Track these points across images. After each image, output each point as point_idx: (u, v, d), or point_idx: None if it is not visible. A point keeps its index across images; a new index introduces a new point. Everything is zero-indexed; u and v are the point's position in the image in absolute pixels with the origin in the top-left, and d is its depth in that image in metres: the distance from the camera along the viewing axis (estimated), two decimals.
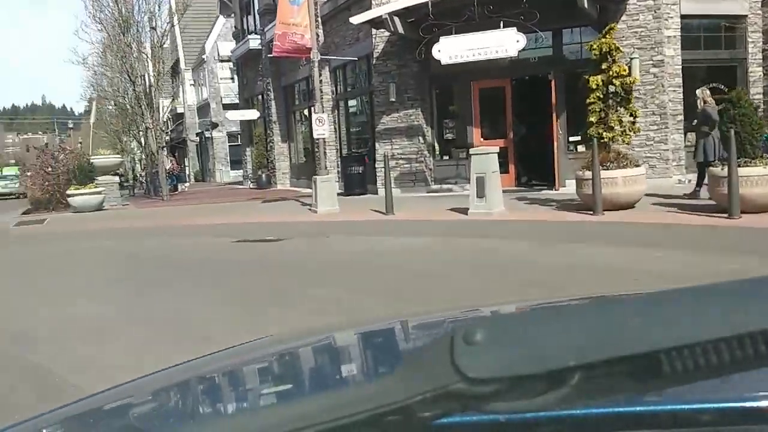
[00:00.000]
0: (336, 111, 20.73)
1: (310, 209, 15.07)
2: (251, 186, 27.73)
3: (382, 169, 17.57)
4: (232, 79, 33.09)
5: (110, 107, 35.08)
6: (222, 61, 36.39)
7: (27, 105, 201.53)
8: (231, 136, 40.83)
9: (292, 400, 0.58)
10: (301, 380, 1.17)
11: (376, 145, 17.67)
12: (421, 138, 17.16)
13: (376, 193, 17.53)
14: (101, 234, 14.25)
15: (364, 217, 13.36)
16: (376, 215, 13.31)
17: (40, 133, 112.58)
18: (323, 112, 15.77)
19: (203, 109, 43.68)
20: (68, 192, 19.53)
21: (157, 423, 1.02)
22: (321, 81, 16.49)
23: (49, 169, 20.65)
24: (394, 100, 16.92)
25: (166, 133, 48.69)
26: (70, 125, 52.22)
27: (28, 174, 21.76)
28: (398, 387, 0.51)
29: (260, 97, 27.28)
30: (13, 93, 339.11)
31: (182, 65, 45.59)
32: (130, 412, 1.11)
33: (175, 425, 0.96)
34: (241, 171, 32.69)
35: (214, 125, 41.20)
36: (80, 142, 35.26)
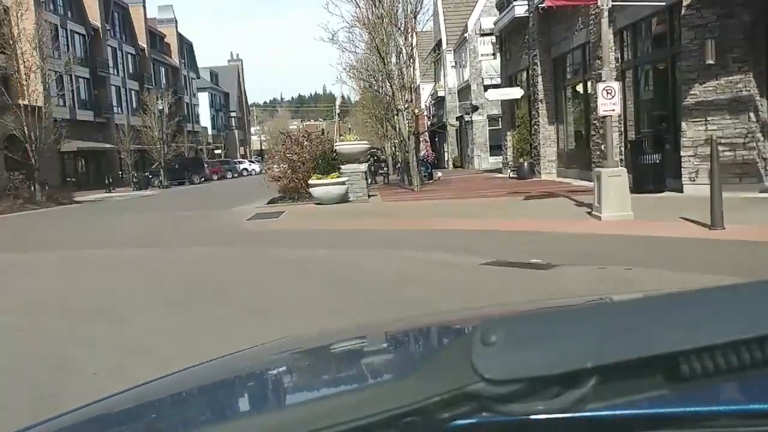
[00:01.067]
0: (621, 83, 16.15)
1: (589, 213, 10.96)
2: (510, 175, 24.08)
3: (690, 159, 12.83)
4: (494, 55, 29.59)
5: (371, 92, 33.66)
6: (484, 35, 33.04)
7: (311, 95, 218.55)
8: (491, 119, 37.51)
9: (309, 402, 0.59)
10: (318, 381, 1.14)
11: (683, 124, 12.92)
12: (752, 115, 12.10)
13: (681, 191, 12.83)
14: (321, 238, 11.64)
15: (675, 230, 8.95)
16: (693, 228, 8.86)
17: (320, 119, 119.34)
18: (613, 79, 11.54)
19: (464, 91, 40.90)
20: (309, 181, 17.52)
21: (175, 425, 1.00)
22: (609, 40, 12.23)
23: (295, 156, 18.90)
24: (712, 62, 12.05)
25: (428, 117, 46.45)
26: (338, 110, 52.28)
27: (273, 160, 20.25)
28: (415, 388, 0.51)
29: (524, 73, 23.50)
30: (300, 84, 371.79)
31: (444, 46, 43.27)
32: (146, 414, 1.09)
33: (192, 426, 0.94)
34: (500, 157, 29.21)
35: (474, 108, 38.13)
36: (322, 128, 34.23)
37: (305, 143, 19.04)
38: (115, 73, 55.57)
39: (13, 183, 26.30)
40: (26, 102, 30.29)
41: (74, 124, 47.81)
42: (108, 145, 50.02)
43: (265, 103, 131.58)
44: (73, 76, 48.44)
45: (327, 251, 9.80)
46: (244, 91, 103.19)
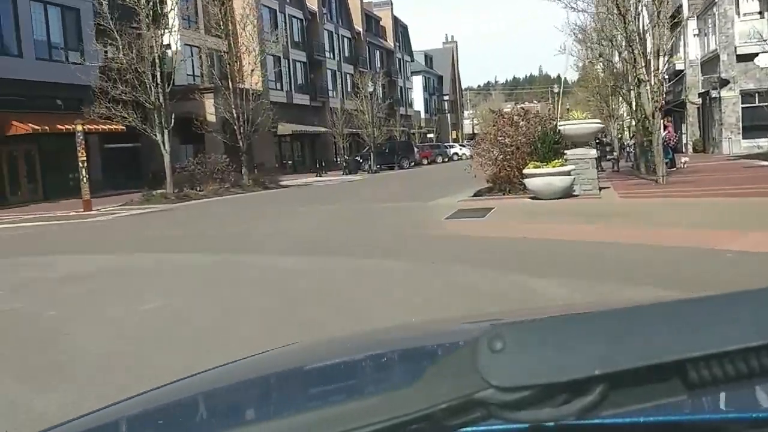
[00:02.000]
0: None
1: None
2: None
3: None
4: (761, 14, 23.58)
5: (598, 66, 29.06)
6: None
7: (526, 76, 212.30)
8: (746, 95, 30.95)
9: (316, 408, 0.56)
10: (326, 388, 1.14)
11: None
12: None
13: None
14: (549, 253, 8.08)
15: None
16: None
17: (534, 101, 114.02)
18: None
19: (708, 63, 34.41)
20: (525, 171, 13.96)
21: (184, 430, 1.00)
22: None
23: (508, 139, 15.41)
24: None
25: (662, 93, 40.21)
26: (555, 89, 47.51)
27: (480, 147, 16.85)
28: (422, 395, 0.50)
29: None
30: (515, 67, 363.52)
31: (685, 12, 36.85)
32: (154, 419, 1.09)
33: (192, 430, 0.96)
34: (760, 140, 23.32)
35: (724, 82, 31.72)
36: (551, 106, 29.98)
37: (521, 123, 15.46)
38: (331, 56, 55.49)
39: (220, 166, 25.68)
40: (243, 85, 30.02)
41: (291, 107, 48.19)
42: (322, 129, 49.92)
43: (478, 86, 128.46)
44: (291, 60, 48.77)
45: (563, 283, 6.25)
46: (458, 74, 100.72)
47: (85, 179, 20.11)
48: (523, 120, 15.57)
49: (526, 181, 13.83)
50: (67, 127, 23.08)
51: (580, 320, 0.55)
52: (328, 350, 1.39)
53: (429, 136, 77.18)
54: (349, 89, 57.47)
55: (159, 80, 22.82)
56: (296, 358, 1.35)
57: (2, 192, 25.47)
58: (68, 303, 6.72)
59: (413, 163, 47.80)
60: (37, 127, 24.80)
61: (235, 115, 28.21)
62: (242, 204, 20.42)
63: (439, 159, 57.37)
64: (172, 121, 22.83)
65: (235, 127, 28.38)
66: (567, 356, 0.48)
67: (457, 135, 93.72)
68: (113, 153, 33.99)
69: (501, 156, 15.30)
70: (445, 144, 67.20)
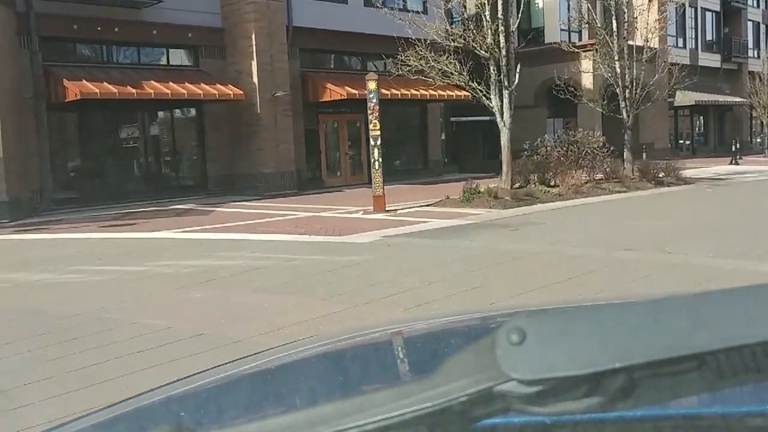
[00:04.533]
0: None
1: None
2: None
3: None
4: None
5: None
6: None
7: None
8: None
9: (336, 400, 0.57)
10: (346, 380, 1.12)
11: None
12: None
13: None
14: None
15: None
16: None
17: None
18: None
19: None
20: None
21: (202, 424, 0.96)
22: None
23: None
24: None
25: None
26: None
27: None
28: (442, 387, 0.50)
29: None
30: None
31: None
32: (163, 414, 1.07)
33: (217, 426, 0.92)
34: None
35: None
36: None
37: None
38: (754, 2, 40.87)
39: (591, 148, 16.47)
40: (633, 41, 20.36)
41: (694, 70, 35.93)
42: (738, 99, 36.49)
43: None
44: (698, 8, 36.27)
45: None
46: None
47: (377, 163, 12.92)
48: None
49: None
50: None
51: (599, 312, 0.53)
52: (347, 343, 1.33)
53: None
54: None
55: (501, 18, 14.41)
56: (313, 352, 1.29)
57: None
58: None
59: None
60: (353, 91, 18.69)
61: (619, 73, 18.53)
62: (644, 219, 11.06)
63: None
64: (517, 77, 14.28)
65: (618, 92, 18.68)
66: (587, 349, 0.47)
67: None
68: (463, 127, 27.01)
69: None
70: None
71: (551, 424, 0.64)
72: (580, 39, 31.18)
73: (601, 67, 19.54)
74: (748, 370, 0.45)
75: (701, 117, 37.97)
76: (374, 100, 12.72)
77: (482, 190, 13.74)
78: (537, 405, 0.47)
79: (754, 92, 34.29)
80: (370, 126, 12.81)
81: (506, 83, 14.15)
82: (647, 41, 19.00)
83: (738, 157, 29.47)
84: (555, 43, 28.72)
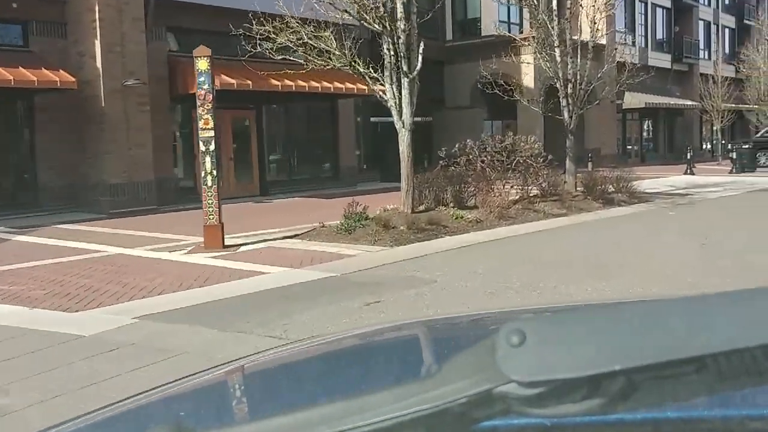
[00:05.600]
0: None
1: None
2: None
3: None
4: None
5: None
6: None
7: None
8: None
9: (336, 401, 0.56)
10: (345, 381, 1.08)
11: None
12: None
13: None
14: None
15: None
16: None
17: None
18: None
19: None
20: None
21: (198, 425, 0.94)
22: None
23: None
24: None
25: None
26: None
27: None
28: (442, 388, 0.49)
29: None
30: None
31: None
32: (159, 416, 1.05)
33: (216, 426, 0.90)
34: None
35: None
36: None
37: None
38: (705, 2, 38.14)
39: (524, 156, 12.69)
40: (579, 37, 16.81)
41: (643, 71, 32.86)
42: (689, 102, 33.56)
43: None
44: (649, 5, 33.21)
45: None
46: None
47: (210, 178, 8.80)
48: None
49: None
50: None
51: (598, 314, 0.53)
52: (347, 344, 1.31)
53: None
54: (727, 49, 39.59)
55: None
56: (319, 351, 1.27)
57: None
58: None
59: None
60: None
61: (559, 63, 14.87)
62: (591, 273, 7.19)
63: None
64: (419, 61, 10.30)
65: (559, 88, 15.01)
66: (587, 350, 0.46)
67: None
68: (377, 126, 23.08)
69: None
70: None
71: (551, 426, 0.63)
72: (521, 31, 27.67)
73: (539, 57, 15.85)
74: (748, 373, 0.44)
75: (650, 121, 34.95)
76: (206, 87, 8.61)
77: (372, 215, 9.78)
78: (537, 407, 0.46)
79: (706, 95, 31.39)
80: (200, 123, 8.69)
81: (406, 68, 10.20)
82: (594, 25, 15.35)
83: (693, 164, 26.39)
84: (492, 36, 25.20)
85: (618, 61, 29.57)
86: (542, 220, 11.27)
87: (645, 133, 35.13)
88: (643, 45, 32.69)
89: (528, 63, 25.36)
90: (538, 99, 26.00)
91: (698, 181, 20.40)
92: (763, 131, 29.20)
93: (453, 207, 10.95)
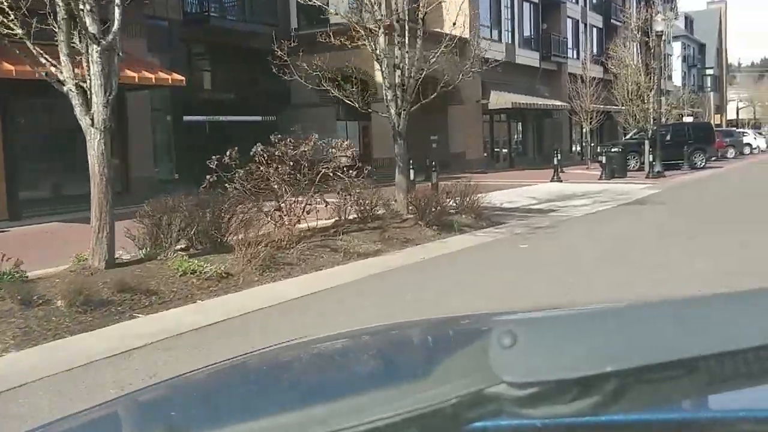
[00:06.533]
0: None
1: None
2: None
3: None
4: None
5: None
6: None
7: None
8: None
9: (328, 402, 0.56)
10: (337, 382, 1.04)
11: None
12: None
13: None
14: None
15: None
16: None
17: None
18: None
19: None
20: None
21: (190, 425, 0.93)
22: None
23: None
24: None
25: None
26: None
27: None
28: (435, 389, 0.49)
29: None
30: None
31: None
32: (152, 414, 1.01)
33: (212, 425, 0.89)
34: None
35: None
36: None
37: None
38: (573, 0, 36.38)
39: (334, 168, 8.98)
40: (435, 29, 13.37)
41: (511, 69, 30.31)
42: (558, 103, 31.42)
43: (753, 63, 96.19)
44: (517, 0, 30.75)
45: None
46: (725, 44, 75.10)
47: None
48: None
49: None
50: None
51: (589, 317, 0.52)
52: (342, 345, 1.26)
53: (687, 119, 55.13)
54: (595, 49, 38.15)
55: None
56: (306, 352, 1.22)
57: None
58: None
59: (712, 158, 27.76)
60: None
61: (383, 49, 11.28)
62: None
63: (731, 153, 36.28)
64: (118, 17, 6.21)
65: (383, 74, 11.44)
66: (577, 353, 0.46)
67: (720, 120, 69.16)
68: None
69: None
70: (738, 130, 45.34)
71: (542, 426, 0.61)
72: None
73: (369, 42, 12.24)
74: (738, 375, 0.43)
75: (518, 122, 32.59)
76: None
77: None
78: (528, 408, 0.45)
79: (574, 95, 29.25)
80: None
81: (94, 30, 6.06)
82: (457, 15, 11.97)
83: (560, 170, 23.91)
84: (343, 23, 21.57)
85: (483, 58, 26.57)
86: (337, 266, 7.49)
87: (515, 136, 32.74)
88: (510, 41, 30.15)
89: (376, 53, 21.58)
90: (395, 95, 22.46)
91: (565, 190, 17.58)
92: (632, 133, 27.34)
93: (189, 251, 6.93)
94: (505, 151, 31.42)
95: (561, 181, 20.90)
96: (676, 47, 60.85)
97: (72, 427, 0.93)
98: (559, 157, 24.98)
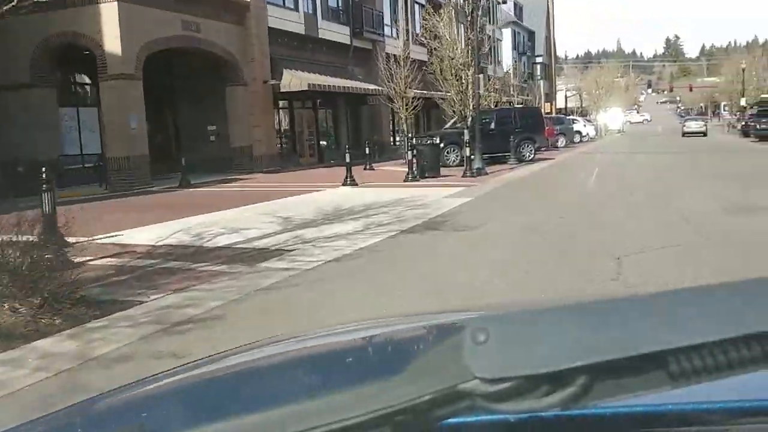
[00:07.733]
0: None
1: None
2: None
3: None
4: None
5: None
6: None
7: (599, 51, 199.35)
8: None
9: (301, 400, 0.56)
10: (310, 379, 1.02)
11: None
12: None
13: None
14: None
15: None
16: None
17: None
18: None
19: None
20: None
21: (172, 423, 0.90)
22: None
23: None
24: None
25: None
26: None
27: None
28: (408, 386, 0.49)
29: None
30: (590, 40, 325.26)
31: None
32: (139, 412, 0.98)
33: (187, 425, 0.84)
34: None
35: None
36: None
37: None
38: None
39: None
40: None
41: (314, 45, 24.82)
42: (372, 86, 26.36)
43: (577, 56, 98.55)
44: None
45: None
46: (554, 32, 74.97)
47: None
48: None
49: None
50: None
51: (562, 313, 0.53)
52: (312, 342, 1.23)
53: (518, 106, 53.07)
54: (418, 29, 33.67)
55: None
56: (279, 350, 1.17)
57: None
58: None
59: (542, 148, 24.01)
60: None
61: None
62: None
63: (561, 141, 33.43)
64: None
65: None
66: (550, 347, 0.46)
67: (550, 108, 68.66)
68: None
69: None
70: (568, 117, 43.15)
71: (515, 421, 0.63)
72: None
73: None
74: (708, 368, 0.44)
75: (329, 110, 27.23)
76: None
77: None
78: (501, 403, 0.46)
79: (389, 77, 24.29)
80: None
81: None
82: None
83: (367, 166, 18.81)
84: None
85: (271, 28, 20.72)
86: None
87: (325, 126, 27.35)
88: (310, 11, 24.58)
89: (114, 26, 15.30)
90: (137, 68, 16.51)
91: (348, 200, 12.25)
92: (451, 122, 22.86)
93: None
94: (311, 143, 25.96)
95: (356, 185, 15.69)
96: (507, 34, 58.85)
97: (49, 429, 0.89)
98: (367, 151, 19.90)
